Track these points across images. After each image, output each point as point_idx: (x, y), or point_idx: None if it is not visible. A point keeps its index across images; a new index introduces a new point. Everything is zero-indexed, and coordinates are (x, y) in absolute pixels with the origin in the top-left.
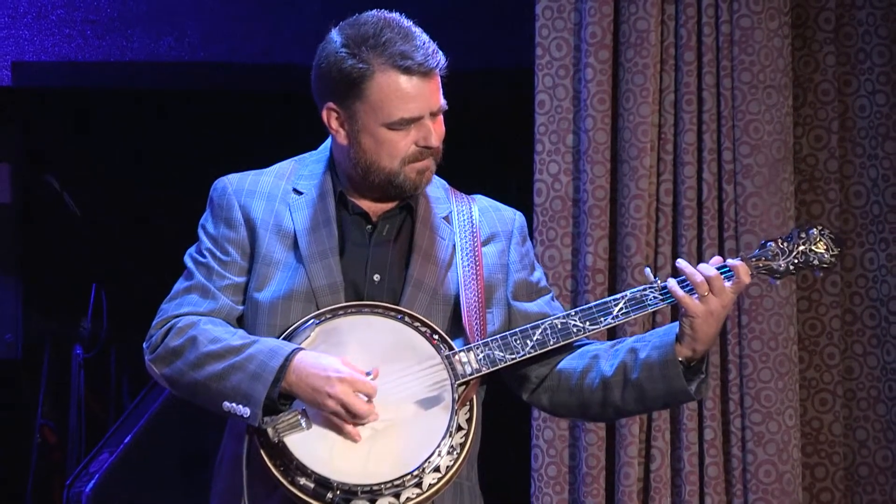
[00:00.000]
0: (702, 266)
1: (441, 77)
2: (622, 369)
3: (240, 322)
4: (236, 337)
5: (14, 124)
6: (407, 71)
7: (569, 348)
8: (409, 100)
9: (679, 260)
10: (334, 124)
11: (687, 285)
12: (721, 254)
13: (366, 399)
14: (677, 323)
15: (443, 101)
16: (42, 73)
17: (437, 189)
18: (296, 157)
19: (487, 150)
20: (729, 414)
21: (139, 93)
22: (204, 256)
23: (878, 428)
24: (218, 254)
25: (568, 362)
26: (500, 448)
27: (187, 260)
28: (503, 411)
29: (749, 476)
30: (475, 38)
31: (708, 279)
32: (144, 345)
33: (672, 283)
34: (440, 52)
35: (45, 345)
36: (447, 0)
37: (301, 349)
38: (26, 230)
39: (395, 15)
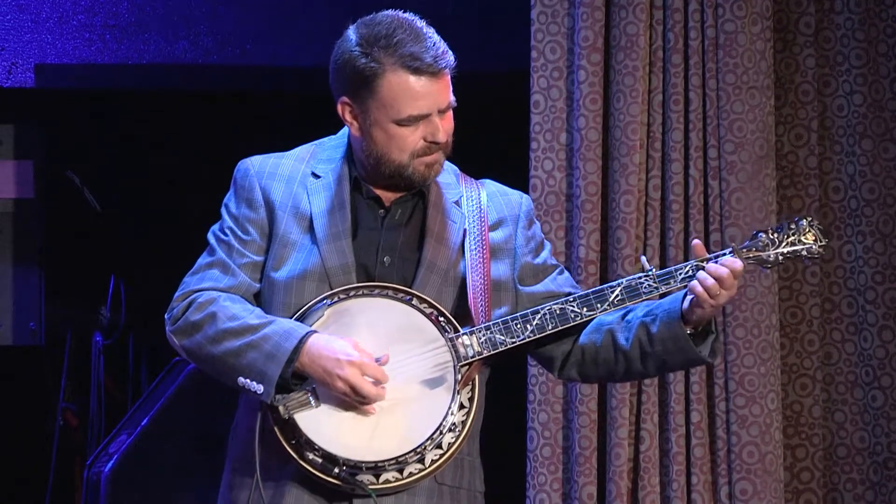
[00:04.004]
0: (708, 266)
1: (451, 76)
2: (638, 344)
3: (257, 299)
4: (253, 316)
5: (38, 124)
6: (416, 71)
7: (582, 325)
8: (418, 98)
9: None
10: (348, 117)
11: (690, 277)
12: (707, 246)
13: (373, 382)
14: (679, 295)
15: (452, 99)
16: (64, 75)
17: (448, 175)
18: (316, 142)
19: (486, 147)
20: (714, 398)
21: (155, 93)
22: (226, 234)
23: (856, 411)
24: (239, 233)
25: (587, 337)
26: (497, 430)
27: (210, 237)
28: (500, 396)
29: (733, 457)
30: (474, 42)
31: (717, 278)
32: (166, 315)
33: (696, 285)
34: (450, 53)
35: (67, 332)
36: (449, 6)
37: (315, 332)
38: (49, 224)
39: (409, 15)
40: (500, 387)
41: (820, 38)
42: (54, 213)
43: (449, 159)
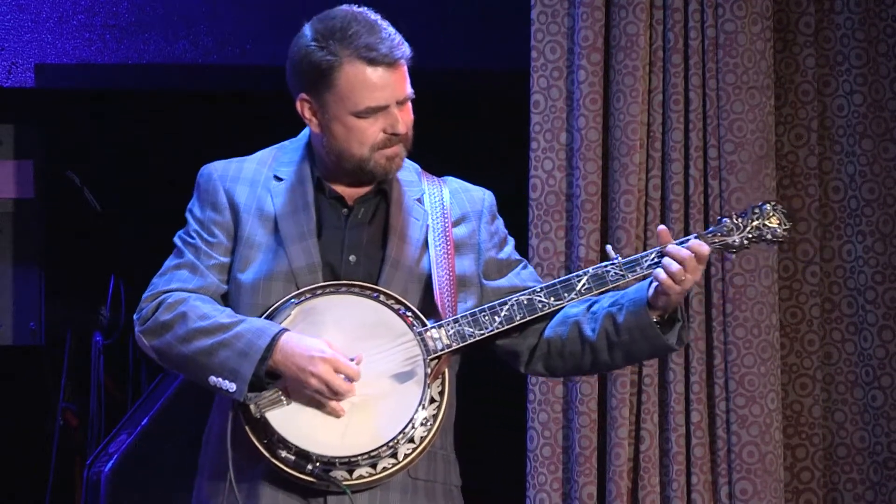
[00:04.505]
0: (671, 250)
1: (408, 67)
2: (604, 335)
3: (224, 300)
4: (224, 315)
5: (38, 124)
6: (372, 62)
7: (549, 315)
8: (375, 89)
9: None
10: (307, 114)
11: (655, 263)
12: None
13: (346, 378)
14: (644, 284)
15: (409, 91)
16: (64, 75)
17: (409, 173)
18: (277, 145)
19: (485, 146)
20: (714, 398)
21: (155, 93)
22: (192, 238)
23: (856, 410)
24: (205, 235)
25: (552, 330)
26: (497, 430)
27: (177, 240)
28: (500, 396)
29: (733, 456)
30: (474, 41)
31: (682, 262)
32: (135, 316)
33: (660, 272)
34: (406, 44)
35: (67, 332)
36: (449, 5)
37: (287, 330)
38: (49, 224)
39: (364, 9)
40: (500, 386)
41: (820, 38)
42: (54, 213)
43: (450, 159)
